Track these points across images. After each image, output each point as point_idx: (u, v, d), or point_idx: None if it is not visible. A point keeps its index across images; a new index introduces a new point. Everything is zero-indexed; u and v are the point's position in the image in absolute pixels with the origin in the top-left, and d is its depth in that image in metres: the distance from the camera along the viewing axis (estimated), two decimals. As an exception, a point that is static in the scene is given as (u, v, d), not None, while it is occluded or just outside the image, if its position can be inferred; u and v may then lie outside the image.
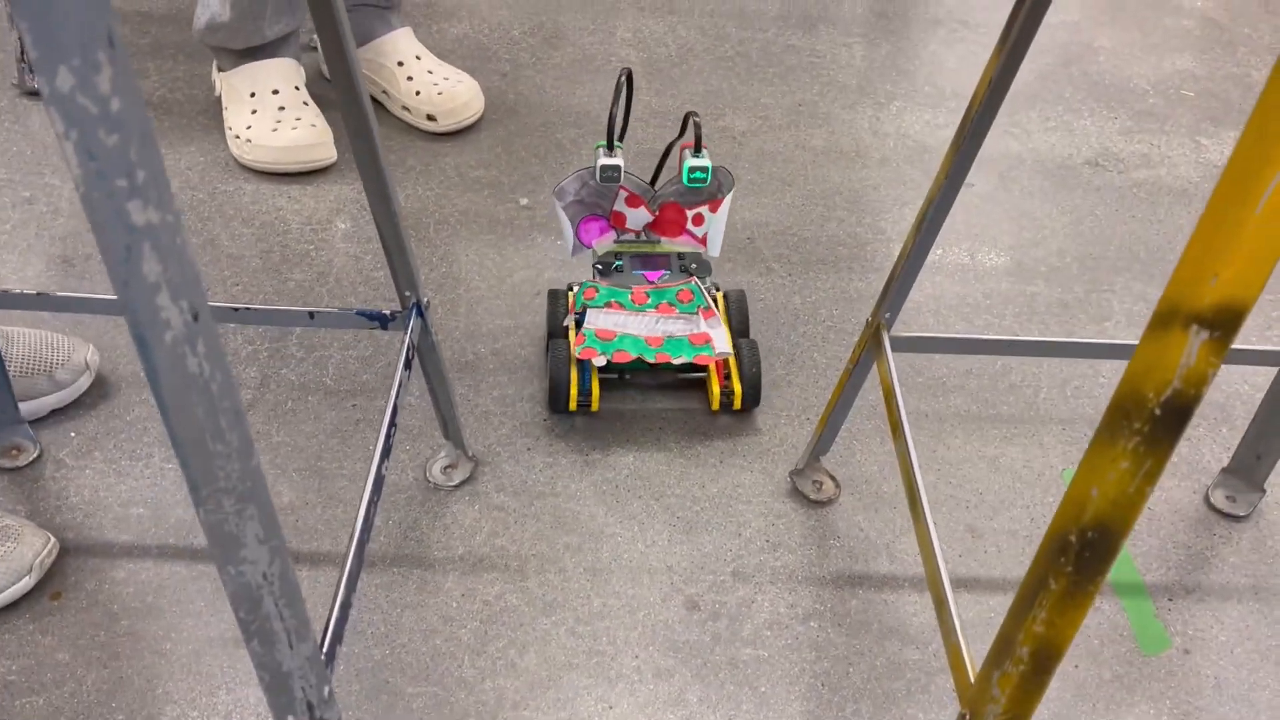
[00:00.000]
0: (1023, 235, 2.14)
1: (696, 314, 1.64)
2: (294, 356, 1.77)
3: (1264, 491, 1.58)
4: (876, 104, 2.48)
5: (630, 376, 1.70)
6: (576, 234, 1.66)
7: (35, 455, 1.55)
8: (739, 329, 1.74)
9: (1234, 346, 1.36)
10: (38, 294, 1.42)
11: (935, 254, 2.08)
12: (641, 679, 1.34)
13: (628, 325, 1.61)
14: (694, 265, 1.71)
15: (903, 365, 1.82)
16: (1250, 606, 1.45)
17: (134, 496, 1.51)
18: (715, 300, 1.71)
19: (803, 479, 1.58)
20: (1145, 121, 2.48)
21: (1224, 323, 0.70)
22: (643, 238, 1.70)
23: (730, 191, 1.64)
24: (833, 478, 1.59)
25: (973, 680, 0.96)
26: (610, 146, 1.61)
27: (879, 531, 1.53)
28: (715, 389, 1.64)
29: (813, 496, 1.57)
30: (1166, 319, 0.72)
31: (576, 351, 1.58)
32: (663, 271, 1.69)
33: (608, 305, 1.63)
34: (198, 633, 1.35)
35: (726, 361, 1.66)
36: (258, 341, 1.79)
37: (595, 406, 1.63)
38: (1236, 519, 1.57)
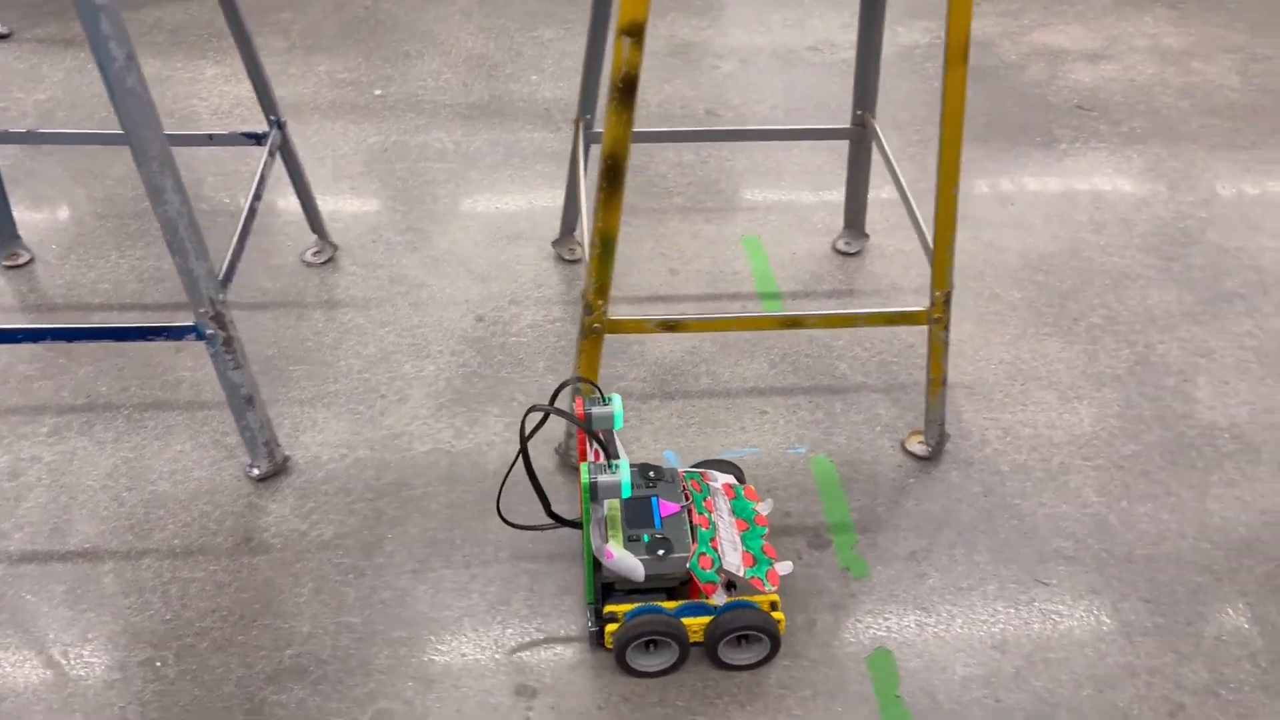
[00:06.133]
0: (749, 97, 2.90)
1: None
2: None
3: (868, 236, 2.36)
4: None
5: None
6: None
7: (28, 259, 2.24)
8: None
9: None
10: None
11: (677, 109, 2.82)
12: (443, 355, 2.07)
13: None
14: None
15: (641, 182, 2.56)
16: (843, 300, 2.23)
17: (101, 279, 2.21)
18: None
19: (560, 246, 2.32)
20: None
21: (635, 31, 1.44)
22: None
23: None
24: (581, 244, 2.34)
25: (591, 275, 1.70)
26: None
27: (614, 275, 2.28)
28: None
29: (567, 257, 2.31)
30: (618, 34, 1.46)
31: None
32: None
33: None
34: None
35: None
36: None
37: None
38: (850, 255, 2.35)
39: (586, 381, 1.64)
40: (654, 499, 1.57)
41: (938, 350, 1.77)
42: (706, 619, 1.55)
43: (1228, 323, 2.19)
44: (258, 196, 1.89)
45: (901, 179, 1.97)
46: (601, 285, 1.67)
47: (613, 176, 1.58)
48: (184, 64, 2.98)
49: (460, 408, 1.97)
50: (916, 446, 1.91)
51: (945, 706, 1.53)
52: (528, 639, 1.61)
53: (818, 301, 2.24)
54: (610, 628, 1.55)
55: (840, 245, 2.38)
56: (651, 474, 1.60)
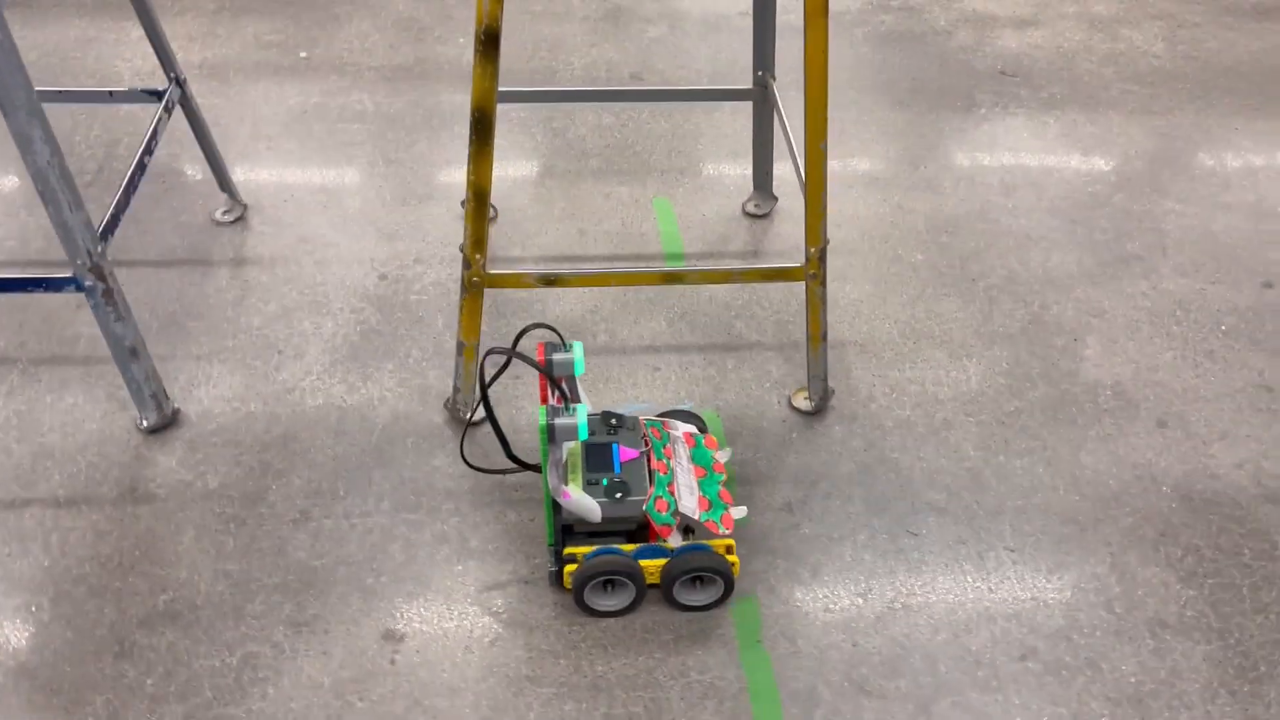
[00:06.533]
0: (675, 62, 2.90)
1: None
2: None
3: (776, 198, 2.38)
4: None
5: None
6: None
7: (-63, 216, 2.25)
8: None
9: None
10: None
11: (602, 73, 2.83)
12: (343, 312, 2.09)
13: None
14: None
15: (560, 144, 2.57)
16: (749, 261, 2.25)
17: (8, 236, 2.23)
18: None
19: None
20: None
21: None
22: None
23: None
24: (493, 206, 2.35)
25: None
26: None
27: (523, 235, 2.30)
28: None
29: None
30: None
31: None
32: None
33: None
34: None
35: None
36: (96, 144, 2.49)
37: None
38: (760, 217, 2.37)
39: (547, 327, 1.68)
40: (614, 445, 1.61)
41: (815, 306, 1.80)
42: (663, 561, 1.59)
43: (1124, 284, 2.21)
44: (148, 152, 1.90)
45: (792, 139, 1.99)
46: (478, 239, 1.69)
47: (481, 130, 1.60)
48: (111, 25, 2.96)
49: (355, 363, 1.99)
50: (802, 402, 1.94)
51: (804, 650, 1.57)
52: (401, 586, 1.64)
53: (720, 262, 2.26)
54: (569, 568, 1.59)
55: (749, 208, 2.40)
56: (613, 421, 1.65)
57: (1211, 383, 1.99)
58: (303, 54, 2.89)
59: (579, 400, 1.56)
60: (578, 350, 1.56)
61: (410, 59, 2.88)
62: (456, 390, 1.86)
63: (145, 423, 1.82)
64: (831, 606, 1.62)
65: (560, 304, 2.14)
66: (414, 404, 1.91)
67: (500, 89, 2.14)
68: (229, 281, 2.16)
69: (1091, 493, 1.79)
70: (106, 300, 1.68)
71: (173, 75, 2.05)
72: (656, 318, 2.12)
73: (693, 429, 1.73)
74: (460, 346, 1.79)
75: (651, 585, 1.60)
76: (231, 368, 1.97)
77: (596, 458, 1.58)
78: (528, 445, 1.83)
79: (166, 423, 1.84)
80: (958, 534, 1.73)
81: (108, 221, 1.73)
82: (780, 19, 2.10)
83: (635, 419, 1.66)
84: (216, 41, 2.92)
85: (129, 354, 1.74)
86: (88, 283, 1.65)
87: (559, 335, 1.67)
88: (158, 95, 2.07)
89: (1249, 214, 2.39)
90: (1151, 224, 2.37)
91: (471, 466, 1.74)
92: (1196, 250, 2.30)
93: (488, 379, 1.58)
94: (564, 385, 1.56)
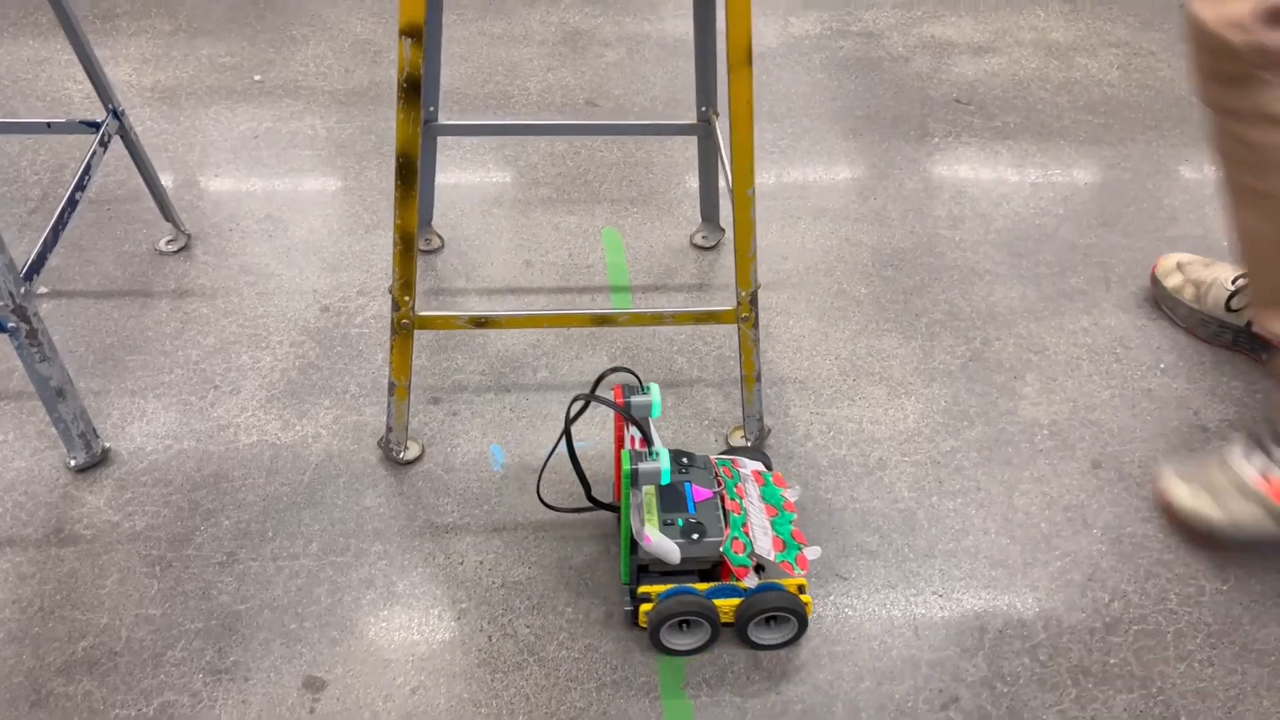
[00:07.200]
0: (630, 87, 2.90)
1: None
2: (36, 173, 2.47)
3: (724, 230, 2.38)
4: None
5: None
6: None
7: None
8: None
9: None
10: None
11: (557, 98, 2.83)
12: (283, 346, 2.08)
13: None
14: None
15: (511, 173, 2.57)
16: (693, 294, 2.25)
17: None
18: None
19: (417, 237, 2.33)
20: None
21: (414, 32, 1.44)
22: None
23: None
24: (439, 236, 2.35)
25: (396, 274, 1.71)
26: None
27: (468, 265, 2.29)
28: None
29: (423, 248, 2.32)
30: (400, 36, 1.46)
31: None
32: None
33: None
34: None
35: None
36: (41, 169, 2.48)
37: None
38: (707, 249, 2.36)
39: (625, 370, 1.68)
40: (687, 485, 1.61)
41: (748, 349, 1.79)
42: (737, 600, 1.60)
43: (1066, 320, 2.22)
44: (80, 187, 1.88)
45: (729, 176, 1.98)
46: (406, 281, 1.68)
47: (406, 175, 1.59)
48: (64, 46, 2.95)
49: (291, 399, 1.98)
50: (739, 441, 1.93)
51: (726, 700, 1.56)
52: (325, 632, 1.63)
53: (666, 295, 2.26)
54: (644, 608, 1.60)
55: (698, 239, 2.40)
56: (684, 460, 1.65)
57: (1148, 422, 2.00)
58: (256, 77, 2.87)
59: (655, 443, 1.57)
60: (655, 392, 1.58)
61: (365, 82, 2.87)
62: (390, 430, 1.85)
63: (74, 462, 1.81)
64: (756, 653, 1.62)
65: (502, 339, 2.13)
66: (348, 442, 1.90)
67: (444, 123, 2.15)
68: (169, 314, 2.15)
69: (1022, 535, 1.80)
70: (30, 341, 1.66)
71: (110, 106, 2.04)
72: (599, 353, 2.11)
73: (760, 466, 1.74)
74: (391, 386, 1.78)
75: (725, 624, 1.62)
76: (166, 403, 1.96)
77: (670, 498, 1.59)
78: (470, 483, 1.83)
79: (96, 461, 1.83)
80: (887, 578, 1.73)
81: (34, 261, 1.72)
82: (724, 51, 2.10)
83: (705, 458, 1.67)
84: (171, 64, 2.91)
85: (55, 394, 1.73)
86: (10, 324, 1.64)
87: (636, 377, 1.70)
88: (94, 126, 2.06)
89: (1194, 248, 2.40)
90: (1096, 257, 2.38)
91: (548, 506, 1.77)
92: (1140, 285, 2.31)
93: (572, 417, 1.60)
94: (643, 428, 1.58)
